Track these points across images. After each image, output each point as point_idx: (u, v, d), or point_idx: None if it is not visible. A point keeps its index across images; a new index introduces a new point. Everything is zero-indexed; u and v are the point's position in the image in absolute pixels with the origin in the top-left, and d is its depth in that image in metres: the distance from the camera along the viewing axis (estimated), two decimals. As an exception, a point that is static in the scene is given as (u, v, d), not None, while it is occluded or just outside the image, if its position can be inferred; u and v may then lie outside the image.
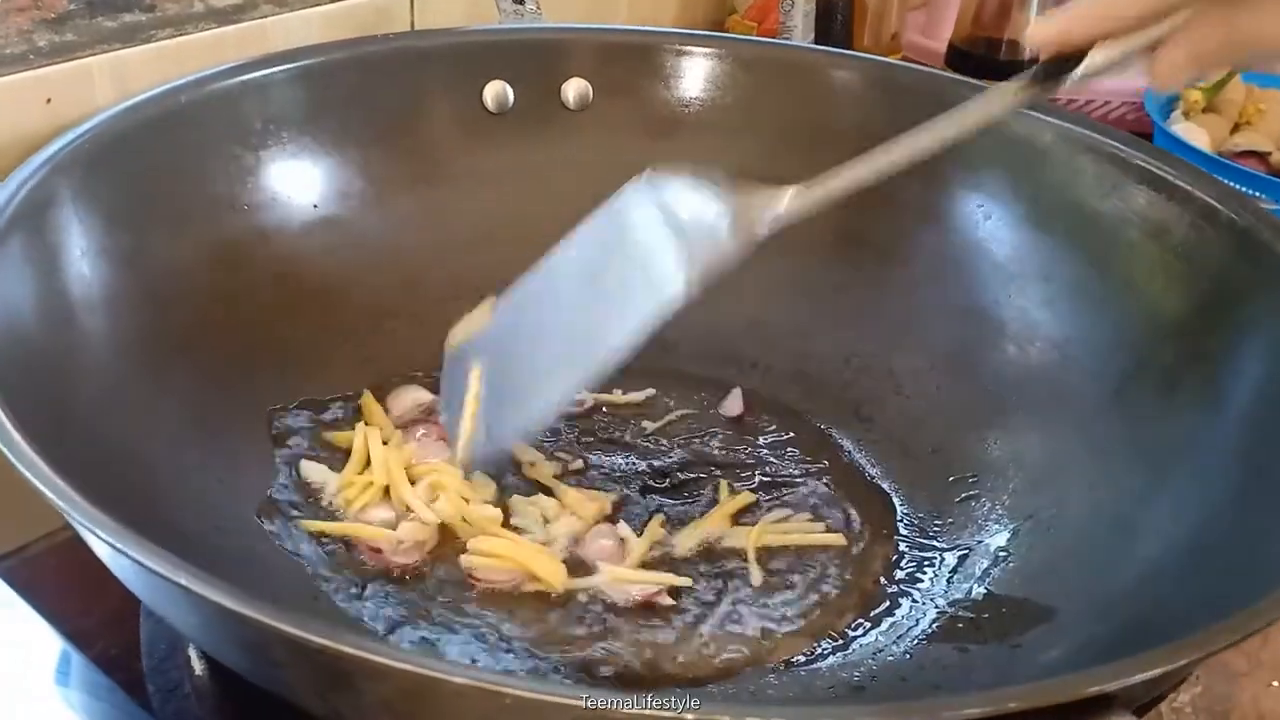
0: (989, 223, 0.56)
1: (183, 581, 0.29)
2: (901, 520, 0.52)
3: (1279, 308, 0.47)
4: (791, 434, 0.56)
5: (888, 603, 0.48)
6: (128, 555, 0.30)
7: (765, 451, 0.55)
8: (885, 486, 0.54)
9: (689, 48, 0.61)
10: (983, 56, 0.80)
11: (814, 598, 0.47)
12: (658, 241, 0.41)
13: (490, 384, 0.46)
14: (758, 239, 0.42)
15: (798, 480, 0.53)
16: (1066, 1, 0.41)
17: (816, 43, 0.79)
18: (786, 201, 0.42)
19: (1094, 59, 0.39)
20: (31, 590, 0.42)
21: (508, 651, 0.44)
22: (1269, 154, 0.76)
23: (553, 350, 0.44)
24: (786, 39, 0.78)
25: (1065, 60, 0.40)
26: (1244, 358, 0.47)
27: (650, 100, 0.61)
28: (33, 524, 0.51)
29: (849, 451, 0.55)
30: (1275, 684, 0.48)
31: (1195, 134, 0.75)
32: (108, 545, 0.31)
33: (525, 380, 0.45)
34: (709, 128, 0.61)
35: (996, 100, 0.42)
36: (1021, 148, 0.55)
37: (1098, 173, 0.53)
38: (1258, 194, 0.68)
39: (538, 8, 0.61)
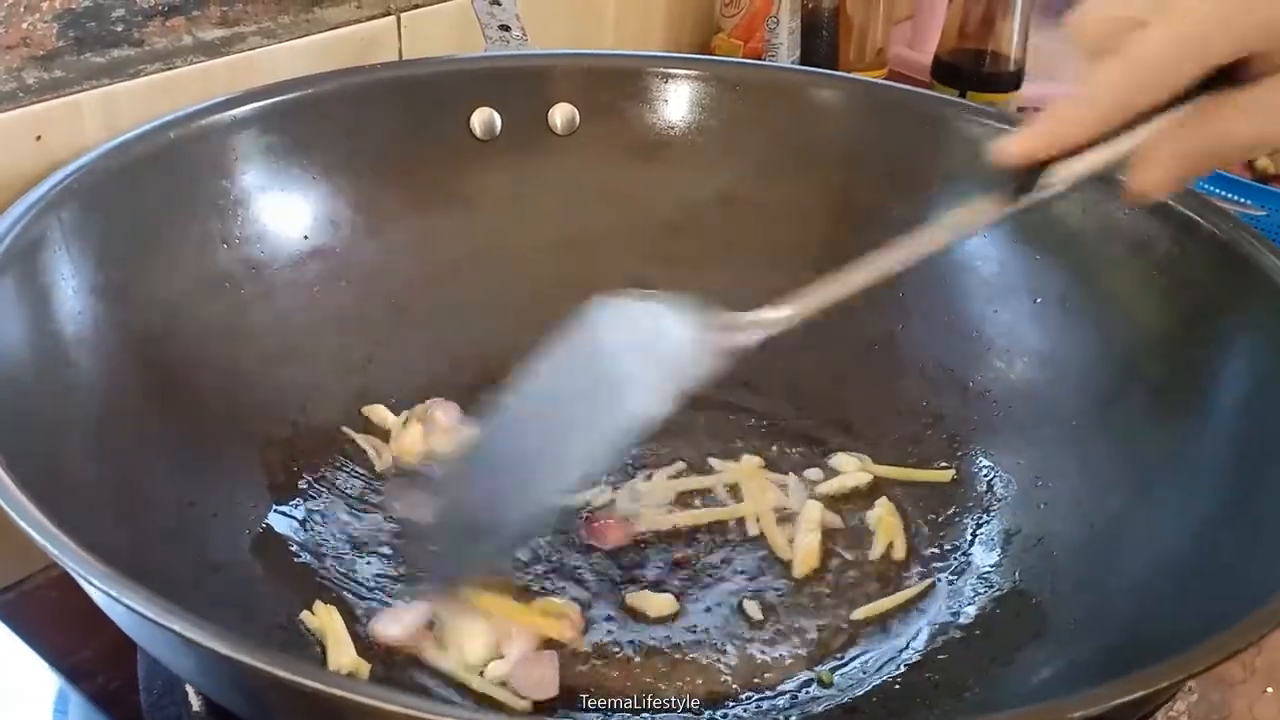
0: (974, 239, 0.57)
1: (175, 627, 0.29)
2: (893, 538, 0.52)
3: (1262, 319, 0.47)
4: (783, 450, 0.56)
5: (880, 621, 0.48)
6: (119, 600, 0.30)
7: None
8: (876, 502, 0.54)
9: (674, 70, 0.62)
10: (968, 68, 0.81)
11: (806, 619, 0.48)
12: (631, 363, 0.39)
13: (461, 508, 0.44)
14: (731, 351, 0.40)
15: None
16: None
17: (802, 59, 0.79)
18: (754, 320, 0.41)
19: (1061, 173, 0.37)
20: (27, 626, 0.42)
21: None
22: (1253, 160, 0.77)
23: (521, 475, 0.41)
24: (772, 56, 0.79)
25: (1034, 173, 0.38)
26: (1229, 370, 0.48)
27: (637, 123, 0.61)
28: (28, 559, 0.51)
29: (839, 467, 0.55)
30: (1270, 691, 0.49)
31: (1180, 142, 0.75)
32: (100, 591, 0.31)
33: (491, 507, 0.42)
34: (696, 149, 0.61)
35: (969, 217, 0.40)
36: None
37: (1080, 188, 0.54)
38: (1243, 199, 0.69)
39: (524, 34, 0.62)
